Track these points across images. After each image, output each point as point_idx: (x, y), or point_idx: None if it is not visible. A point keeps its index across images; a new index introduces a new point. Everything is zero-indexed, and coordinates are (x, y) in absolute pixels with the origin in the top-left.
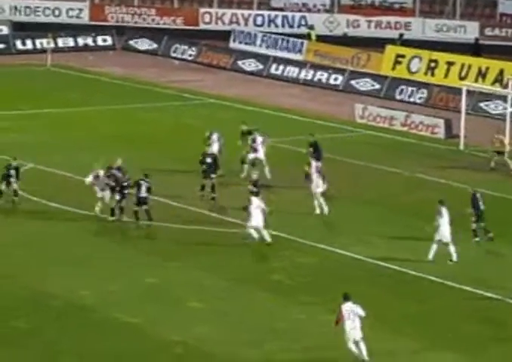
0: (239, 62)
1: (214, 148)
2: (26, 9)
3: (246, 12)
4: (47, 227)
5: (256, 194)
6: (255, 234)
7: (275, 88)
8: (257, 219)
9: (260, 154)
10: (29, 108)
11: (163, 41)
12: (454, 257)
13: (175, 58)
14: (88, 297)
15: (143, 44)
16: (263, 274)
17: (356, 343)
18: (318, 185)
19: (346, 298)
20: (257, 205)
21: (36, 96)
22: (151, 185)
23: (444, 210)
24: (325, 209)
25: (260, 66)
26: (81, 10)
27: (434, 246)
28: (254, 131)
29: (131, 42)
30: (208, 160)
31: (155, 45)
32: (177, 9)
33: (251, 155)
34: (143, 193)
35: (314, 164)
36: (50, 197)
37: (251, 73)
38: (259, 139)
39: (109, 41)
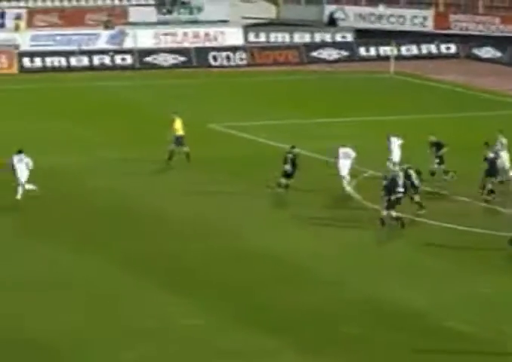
0: None
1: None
2: (371, 16)
3: None
4: (364, 234)
5: None
6: None
7: None
8: None
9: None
10: (366, 116)
11: (507, 50)
12: None
13: None
14: (419, 304)
15: (487, 52)
16: None
17: None
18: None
19: None
20: None
21: (375, 103)
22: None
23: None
24: None
25: None
26: (425, 17)
27: None
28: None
29: (475, 50)
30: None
31: (498, 54)
32: None
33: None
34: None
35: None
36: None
37: None
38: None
39: (453, 49)
